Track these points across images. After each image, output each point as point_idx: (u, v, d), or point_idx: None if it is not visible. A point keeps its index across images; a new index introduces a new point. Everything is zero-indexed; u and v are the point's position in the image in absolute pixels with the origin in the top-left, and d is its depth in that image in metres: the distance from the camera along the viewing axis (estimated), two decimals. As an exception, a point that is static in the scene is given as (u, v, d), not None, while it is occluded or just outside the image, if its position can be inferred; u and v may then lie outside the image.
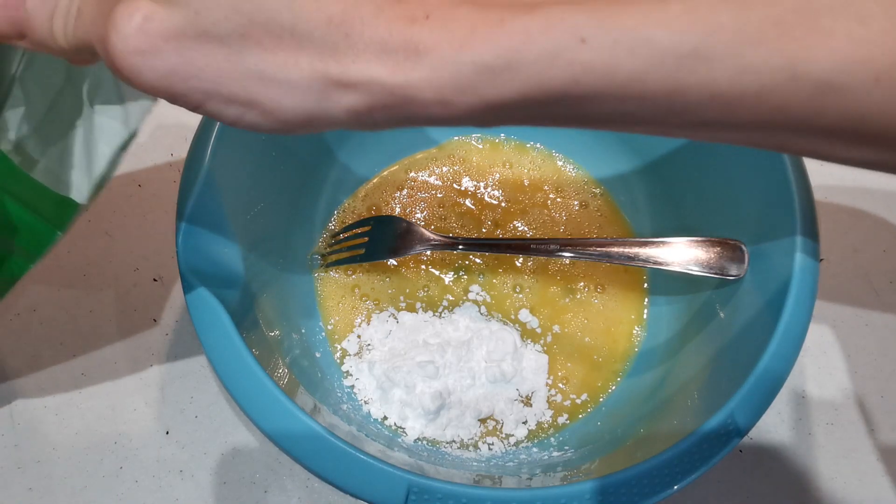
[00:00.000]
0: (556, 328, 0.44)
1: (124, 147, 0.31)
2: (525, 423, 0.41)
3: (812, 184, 0.34)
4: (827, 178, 0.52)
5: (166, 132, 0.52)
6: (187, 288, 0.30)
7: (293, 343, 0.40)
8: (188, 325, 0.45)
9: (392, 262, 0.46)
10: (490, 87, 0.19)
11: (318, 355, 0.42)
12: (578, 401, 0.42)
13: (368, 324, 0.44)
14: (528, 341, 0.44)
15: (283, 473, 0.42)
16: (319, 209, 0.47)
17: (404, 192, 0.49)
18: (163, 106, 0.56)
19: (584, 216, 0.48)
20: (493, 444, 0.40)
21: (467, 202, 0.48)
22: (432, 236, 0.42)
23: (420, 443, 0.40)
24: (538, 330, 0.44)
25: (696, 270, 0.39)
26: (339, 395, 0.41)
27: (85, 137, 0.31)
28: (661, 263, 0.39)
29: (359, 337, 0.44)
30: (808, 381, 0.45)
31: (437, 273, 0.46)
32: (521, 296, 0.45)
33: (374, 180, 0.49)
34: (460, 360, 0.41)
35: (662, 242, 0.39)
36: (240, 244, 0.34)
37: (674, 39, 0.18)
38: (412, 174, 0.49)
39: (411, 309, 0.45)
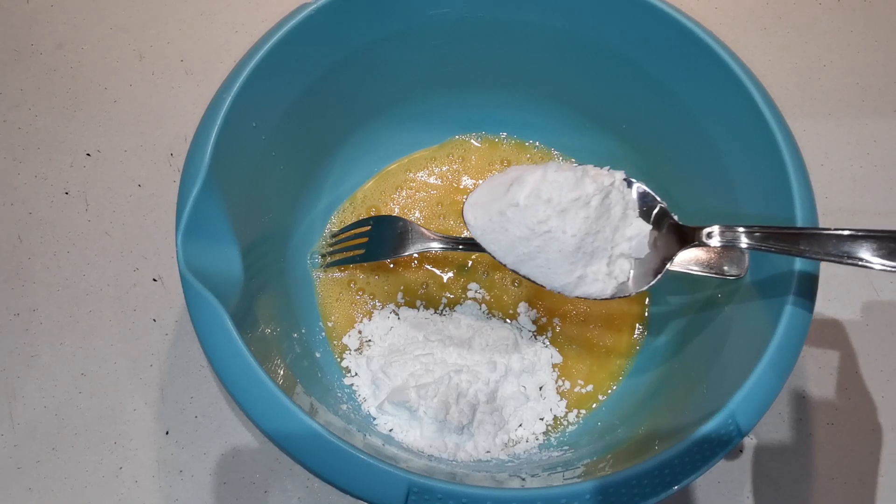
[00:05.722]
0: (556, 321, 0.44)
1: None
2: (527, 421, 0.41)
3: (812, 183, 0.34)
4: (827, 177, 0.52)
5: (166, 132, 0.52)
6: (187, 288, 0.30)
7: (293, 343, 0.40)
8: (188, 325, 0.45)
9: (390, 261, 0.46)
10: None
11: (318, 355, 0.42)
12: (580, 400, 0.42)
13: (370, 320, 0.44)
14: (530, 340, 0.44)
15: (283, 473, 0.42)
16: (319, 209, 0.47)
17: (403, 191, 0.49)
18: (162, 105, 0.56)
19: (584, 216, 0.48)
20: (494, 443, 0.40)
21: (467, 202, 0.48)
22: (431, 235, 0.42)
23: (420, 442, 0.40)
24: (538, 327, 0.44)
25: (696, 270, 0.39)
26: (339, 394, 0.41)
27: None
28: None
29: (360, 332, 0.44)
30: (808, 381, 0.45)
31: (436, 271, 0.46)
32: (519, 290, 0.45)
33: (373, 180, 0.49)
34: (461, 358, 0.41)
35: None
36: (239, 244, 0.34)
37: None
38: (411, 174, 0.49)
39: (411, 306, 0.45)
